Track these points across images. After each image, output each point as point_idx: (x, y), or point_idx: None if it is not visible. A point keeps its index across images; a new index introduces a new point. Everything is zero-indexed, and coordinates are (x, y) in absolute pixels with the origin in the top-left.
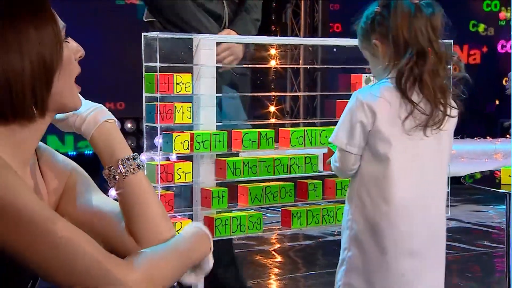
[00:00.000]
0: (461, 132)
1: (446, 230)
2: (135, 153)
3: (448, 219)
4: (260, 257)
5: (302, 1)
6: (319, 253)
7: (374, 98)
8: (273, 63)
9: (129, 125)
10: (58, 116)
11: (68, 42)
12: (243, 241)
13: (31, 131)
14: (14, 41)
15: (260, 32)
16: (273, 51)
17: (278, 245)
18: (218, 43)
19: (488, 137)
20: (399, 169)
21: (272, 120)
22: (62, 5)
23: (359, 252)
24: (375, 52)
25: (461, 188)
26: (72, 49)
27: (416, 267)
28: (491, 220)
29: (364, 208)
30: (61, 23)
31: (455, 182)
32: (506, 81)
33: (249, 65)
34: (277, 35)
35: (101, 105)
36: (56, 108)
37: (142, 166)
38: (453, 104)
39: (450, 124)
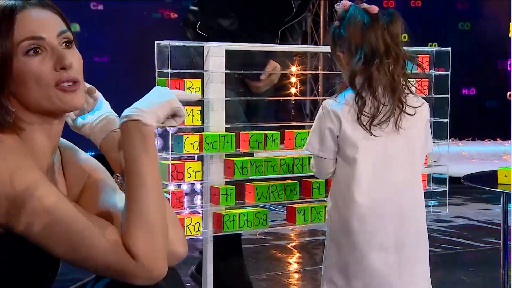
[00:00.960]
0: (472, 134)
1: (437, 226)
2: None
3: (456, 216)
4: (276, 251)
5: (321, 11)
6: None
7: (339, 104)
8: (293, 69)
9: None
10: (72, 124)
11: (34, 55)
12: (263, 236)
13: (36, 134)
14: None
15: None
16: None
17: (295, 241)
18: (227, 51)
19: (498, 139)
20: (367, 170)
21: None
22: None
23: (336, 249)
24: (341, 63)
25: (471, 188)
26: (30, 64)
27: (391, 262)
28: (498, 218)
29: (338, 207)
30: (29, 35)
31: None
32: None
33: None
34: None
35: (111, 113)
36: (44, 114)
37: None
38: (413, 103)
39: (413, 122)
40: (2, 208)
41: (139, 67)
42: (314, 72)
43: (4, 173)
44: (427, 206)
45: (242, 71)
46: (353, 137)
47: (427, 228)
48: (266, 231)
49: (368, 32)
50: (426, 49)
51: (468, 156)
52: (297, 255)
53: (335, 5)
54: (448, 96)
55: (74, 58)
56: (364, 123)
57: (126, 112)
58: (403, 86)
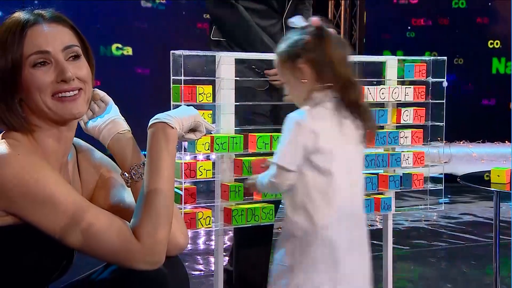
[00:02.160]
0: (482, 136)
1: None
2: (144, 160)
3: (463, 213)
4: None
5: (342, 21)
6: None
7: (312, 119)
8: None
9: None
10: (84, 126)
11: (40, 67)
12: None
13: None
14: None
15: None
16: None
17: None
18: (237, 60)
19: (506, 141)
20: (339, 179)
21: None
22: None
23: (290, 250)
24: (296, 75)
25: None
26: (36, 76)
27: (357, 260)
28: (503, 215)
29: (308, 215)
30: (43, 49)
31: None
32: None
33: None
34: None
35: (118, 116)
36: (50, 120)
37: None
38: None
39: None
40: (17, 201)
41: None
42: None
43: (18, 167)
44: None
45: (251, 78)
46: (328, 150)
47: (436, 224)
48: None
49: (339, 55)
50: (423, 58)
51: (478, 157)
52: None
53: (291, 19)
54: (444, 101)
55: (81, 70)
56: (351, 138)
57: (157, 115)
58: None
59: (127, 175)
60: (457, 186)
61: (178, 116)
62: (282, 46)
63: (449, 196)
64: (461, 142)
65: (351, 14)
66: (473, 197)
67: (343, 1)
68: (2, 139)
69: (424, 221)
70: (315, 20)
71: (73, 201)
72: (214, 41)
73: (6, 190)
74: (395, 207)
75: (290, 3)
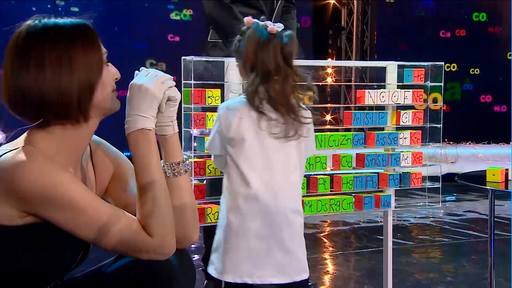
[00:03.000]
0: (488, 138)
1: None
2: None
3: (467, 211)
4: None
5: (354, 28)
6: (352, 237)
7: (232, 109)
8: (329, 80)
9: None
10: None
11: (108, 66)
12: None
13: (77, 133)
14: (67, 65)
15: (320, 54)
16: (329, 70)
17: (317, 230)
18: None
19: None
20: (252, 167)
21: None
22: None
23: (223, 235)
24: (241, 73)
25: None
26: (112, 72)
27: (263, 246)
28: (506, 213)
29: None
30: (104, 50)
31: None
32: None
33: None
34: (333, 57)
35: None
36: (98, 114)
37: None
38: (305, 114)
39: (303, 131)
40: (37, 204)
41: None
42: (346, 83)
43: (37, 174)
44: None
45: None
46: (241, 138)
47: (441, 221)
48: None
49: (264, 51)
50: (422, 63)
51: (484, 158)
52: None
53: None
54: (441, 104)
55: None
56: (275, 133)
57: (131, 123)
58: (294, 101)
59: (167, 165)
60: (463, 185)
61: (146, 111)
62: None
63: (455, 194)
64: (467, 143)
65: (363, 22)
66: (477, 195)
67: (355, 9)
68: (23, 144)
69: (430, 217)
70: (248, 19)
71: (89, 201)
72: (210, 44)
73: (28, 195)
74: (401, 204)
75: (278, 7)
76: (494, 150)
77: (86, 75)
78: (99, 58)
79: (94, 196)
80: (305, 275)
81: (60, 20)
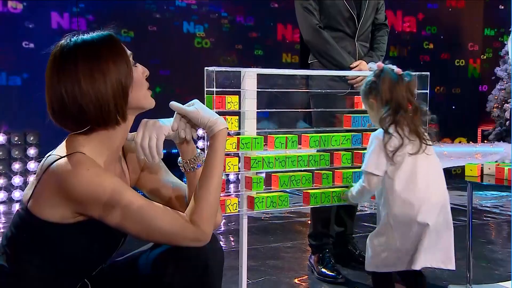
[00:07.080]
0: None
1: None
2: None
3: None
4: (298, 226)
5: None
6: None
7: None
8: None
9: (200, 132)
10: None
11: (136, 66)
12: (289, 214)
13: (116, 132)
14: (100, 75)
15: None
16: None
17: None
18: (258, 74)
19: (471, 142)
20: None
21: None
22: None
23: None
24: (372, 108)
25: (450, 178)
26: (140, 71)
27: None
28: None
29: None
30: (129, 52)
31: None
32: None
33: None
34: None
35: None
36: (135, 111)
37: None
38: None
39: (429, 149)
40: (89, 207)
41: None
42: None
43: (88, 181)
44: None
45: (269, 89)
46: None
47: None
48: (292, 210)
49: (397, 89)
50: (410, 72)
51: (448, 155)
52: None
53: (369, 64)
54: (427, 109)
55: None
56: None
57: (217, 116)
58: (423, 129)
59: (183, 161)
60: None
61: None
62: (362, 86)
63: None
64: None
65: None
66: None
67: None
68: (71, 151)
69: None
70: (378, 64)
71: (135, 199)
72: (308, 64)
73: (80, 199)
74: None
75: (359, 28)
76: (458, 148)
77: (118, 81)
78: (127, 62)
79: (139, 195)
80: None
81: (87, 36)
